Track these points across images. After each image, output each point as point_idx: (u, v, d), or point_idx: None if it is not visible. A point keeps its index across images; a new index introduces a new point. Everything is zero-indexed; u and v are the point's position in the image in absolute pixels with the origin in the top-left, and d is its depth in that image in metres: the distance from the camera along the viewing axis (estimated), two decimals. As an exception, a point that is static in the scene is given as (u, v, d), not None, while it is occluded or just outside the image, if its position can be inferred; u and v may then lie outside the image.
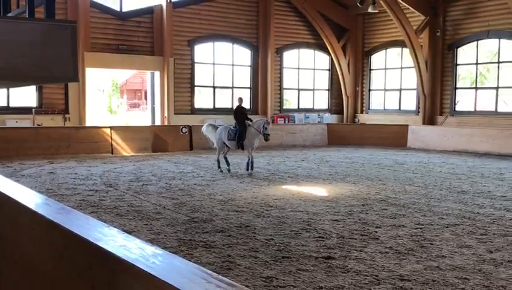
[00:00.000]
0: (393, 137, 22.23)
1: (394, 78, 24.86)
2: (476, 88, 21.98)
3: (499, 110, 20.88)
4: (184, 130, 20.40)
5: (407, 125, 22.60)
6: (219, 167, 14.31)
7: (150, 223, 8.28)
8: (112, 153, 18.64)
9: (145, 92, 32.12)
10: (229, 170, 14.15)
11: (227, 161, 14.36)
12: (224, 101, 24.20)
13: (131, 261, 2.41)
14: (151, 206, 9.64)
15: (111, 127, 19.54)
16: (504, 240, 7.45)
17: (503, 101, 20.99)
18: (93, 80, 28.11)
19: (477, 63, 21.80)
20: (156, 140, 19.76)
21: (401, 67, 24.45)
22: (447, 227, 8.21)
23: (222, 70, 24.03)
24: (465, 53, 22.22)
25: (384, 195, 10.95)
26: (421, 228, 8.12)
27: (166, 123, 21.83)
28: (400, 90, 24.61)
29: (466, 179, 13.43)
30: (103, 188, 11.53)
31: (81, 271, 2.71)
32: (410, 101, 24.22)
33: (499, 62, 21.02)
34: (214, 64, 23.68)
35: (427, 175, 14.09)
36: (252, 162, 13.94)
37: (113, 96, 39.02)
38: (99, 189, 11.42)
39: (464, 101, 22.38)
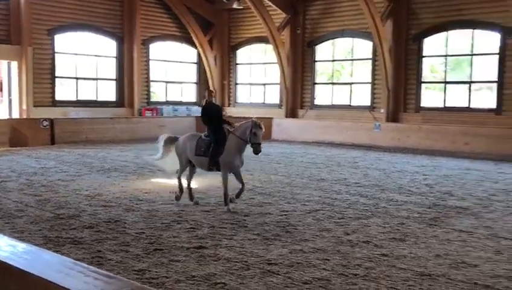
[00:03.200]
0: (258, 129, 22.90)
1: (259, 73, 25.63)
2: (333, 83, 23.40)
3: (352, 104, 22.44)
4: (45, 123, 19.31)
5: (272, 118, 23.45)
6: (180, 190, 9.28)
7: (12, 221, 7.78)
8: (-37, 149, 17.11)
9: (1, 83, 29.73)
10: (195, 202, 9.28)
11: (190, 193, 9.28)
12: (88, 93, 23.23)
13: (2, 259, 2.31)
14: (12, 203, 9.05)
15: (-39, 121, 17.90)
16: (359, 223, 8.11)
17: (356, 96, 22.57)
18: None
19: (333, 60, 23.21)
20: (14, 134, 18.47)
21: (265, 63, 25.27)
22: (309, 213, 8.74)
23: (85, 61, 23.06)
24: (322, 50, 23.53)
25: (252, 185, 11.31)
26: (285, 215, 8.55)
27: (25, 116, 20.47)
28: (264, 84, 25.44)
29: (324, 168, 14.31)
30: (-45, 187, 10.58)
31: None
32: (273, 95, 25.14)
33: (352, 59, 22.57)
34: (76, 54, 22.64)
35: (290, 165, 14.78)
36: (241, 191, 8.90)
37: (-38, 87, 35.61)
38: (-49, 187, 10.47)
39: (322, 95, 23.72)
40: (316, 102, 23.62)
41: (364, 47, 21.99)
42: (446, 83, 19.96)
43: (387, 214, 8.73)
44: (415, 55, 20.33)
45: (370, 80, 21.75)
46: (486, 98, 19.29)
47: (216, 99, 9.10)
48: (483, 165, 15.24)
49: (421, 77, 20.43)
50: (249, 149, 8.90)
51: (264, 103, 25.31)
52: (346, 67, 23.25)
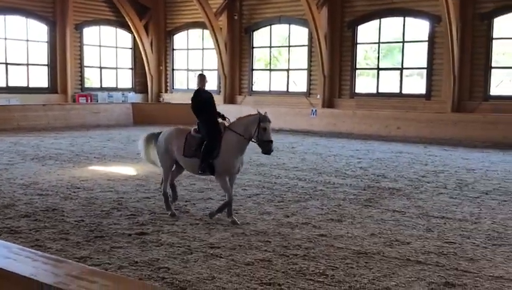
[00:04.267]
0: (196, 115, 22.87)
1: (196, 59, 25.45)
2: (270, 70, 23.61)
3: (289, 90, 22.74)
4: (-28, 110, 18.43)
5: (210, 104, 23.41)
6: (168, 207, 7.59)
7: None
8: None
9: None
10: (171, 202, 7.74)
11: (174, 192, 7.82)
12: (19, 79, 22.31)
13: None
14: None
15: None
16: (298, 205, 8.32)
17: (293, 82, 22.91)
18: None
19: (270, 46, 23.39)
20: None
21: (203, 48, 25.12)
22: (250, 197, 8.87)
23: (16, 46, 22.09)
24: (260, 36, 23.65)
25: (191, 171, 11.33)
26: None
27: (-50, 103, 19.44)
28: (202, 70, 25.30)
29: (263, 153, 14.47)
30: None
31: None
32: (211, 81, 24.99)
33: (289, 46, 22.83)
34: (5, 39, 21.66)
35: (229, 151, 14.87)
36: (228, 203, 7.27)
37: None
38: None
39: (260, 81, 23.88)
40: (254, 88, 23.76)
41: (300, 34, 22.28)
42: (379, 69, 20.59)
43: (325, 197, 9.01)
44: (350, 42, 20.81)
45: (306, 66, 22.09)
46: (416, 84, 20.06)
47: (204, 86, 7.88)
48: (414, 148, 15.91)
49: (355, 63, 20.96)
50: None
51: (202, 89, 25.14)
52: (283, 53, 23.49)
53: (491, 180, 10.70)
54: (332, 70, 21.00)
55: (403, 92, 19.88)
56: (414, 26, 19.72)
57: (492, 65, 18.14)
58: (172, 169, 7.74)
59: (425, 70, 19.43)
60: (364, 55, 21.49)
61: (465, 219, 7.63)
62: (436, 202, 8.73)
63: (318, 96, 21.29)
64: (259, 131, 7.04)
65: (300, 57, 22.61)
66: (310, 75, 22.01)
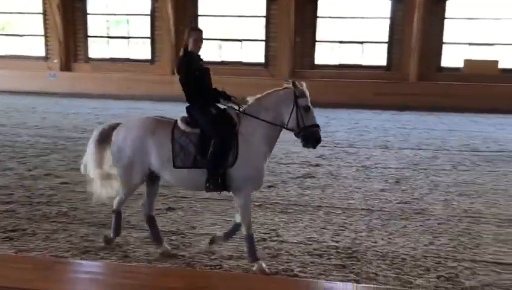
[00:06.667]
0: None
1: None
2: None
3: (25, 54, 20.30)
4: None
5: None
6: (116, 230, 4.38)
7: None
8: None
9: None
10: (164, 250, 4.32)
11: (153, 230, 4.34)
12: None
13: None
14: None
15: None
16: (39, 160, 7.79)
17: (29, 48, 20.56)
18: None
19: None
20: None
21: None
22: (-11, 156, 7.92)
23: None
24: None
25: None
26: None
27: None
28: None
29: (2, 114, 12.90)
30: None
31: None
32: None
33: (21, 13, 20.28)
34: None
35: (-35, 114, 12.80)
36: (251, 237, 4.07)
37: None
38: None
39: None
40: (-12, 52, 20.54)
41: (33, 1, 19.94)
42: (110, 37, 19.99)
43: (66, 150, 8.62)
44: (81, 13, 19.58)
45: (43, 33, 20.02)
46: (143, 50, 20.09)
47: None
48: (144, 105, 16.17)
49: (88, 31, 19.89)
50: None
51: None
52: (16, 19, 20.75)
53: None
54: (67, 37, 19.54)
55: (133, 57, 19.73)
56: (137, 1, 19.51)
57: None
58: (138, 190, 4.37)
59: (148, 40, 19.58)
60: (98, 24, 20.49)
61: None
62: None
63: (55, 61, 19.64)
64: (298, 113, 3.94)
65: (35, 24, 20.32)
66: (46, 40, 20.05)
